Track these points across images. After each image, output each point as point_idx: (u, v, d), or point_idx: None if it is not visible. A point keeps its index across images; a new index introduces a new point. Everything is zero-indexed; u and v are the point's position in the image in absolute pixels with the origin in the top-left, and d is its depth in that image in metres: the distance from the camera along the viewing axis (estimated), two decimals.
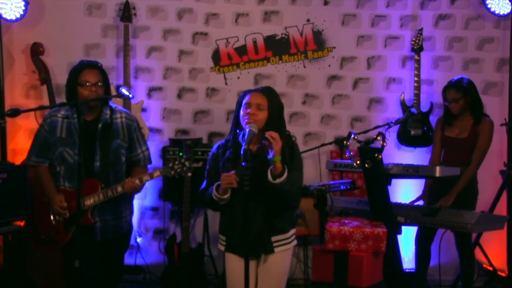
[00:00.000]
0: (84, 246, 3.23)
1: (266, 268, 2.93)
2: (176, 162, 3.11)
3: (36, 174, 3.38)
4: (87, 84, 3.21)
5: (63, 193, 3.26)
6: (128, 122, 3.34)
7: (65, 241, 3.25)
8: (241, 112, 2.89)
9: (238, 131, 2.92)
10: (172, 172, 3.13)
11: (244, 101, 2.90)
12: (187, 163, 3.12)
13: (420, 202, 4.31)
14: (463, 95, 4.11)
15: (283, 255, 2.95)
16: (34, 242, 3.42)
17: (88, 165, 3.21)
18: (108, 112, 3.30)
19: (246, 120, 2.84)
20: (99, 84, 3.24)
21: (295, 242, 3.01)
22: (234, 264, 2.92)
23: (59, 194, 3.25)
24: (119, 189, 3.16)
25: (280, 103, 2.98)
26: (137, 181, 3.16)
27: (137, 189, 3.23)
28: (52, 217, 3.30)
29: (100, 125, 3.26)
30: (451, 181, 4.04)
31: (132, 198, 3.47)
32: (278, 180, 2.75)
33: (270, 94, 2.93)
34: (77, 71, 3.25)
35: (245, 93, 2.95)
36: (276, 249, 2.90)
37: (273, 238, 2.90)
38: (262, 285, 2.93)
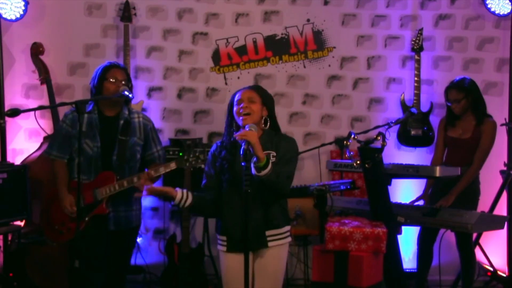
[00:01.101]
0: (94, 241, 3.35)
1: (262, 265, 2.93)
2: (191, 155, 3.17)
3: (53, 167, 3.50)
4: (113, 80, 3.39)
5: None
6: (145, 122, 3.53)
7: (80, 228, 3.31)
8: (234, 109, 2.92)
9: (232, 130, 2.97)
10: (187, 164, 3.16)
11: (235, 99, 2.95)
12: (201, 156, 3.17)
13: (420, 202, 4.31)
14: (465, 96, 4.10)
15: (278, 251, 2.96)
16: (48, 233, 3.52)
17: (106, 158, 3.38)
18: (127, 112, 3.48)
19: (241, 113, 2.89)
20: (123, 82, 3.43)
21: (289, 238, 3.02)
22: (234, 262, 2.92)
23: (69, 195, 3.38)
24: (135, 179, 3.27)
25: (271, 96, 3.04)
26: (152, 172, 3.26)
27: (153, 180, 3.32)
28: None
29: (122, 122, 3.43)
30: (453, 181, 4.03)
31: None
32: (263, 172, 2.76)
33: (258, 89, 3.01)
34: (107, 68, 3.44)
35: (235, 93, 3.01)
36: (270, 244, 2.92)
37: (267, 233, 2.92)
38: (259, 282, 2.94)
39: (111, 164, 3.38)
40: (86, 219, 3.32)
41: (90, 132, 3.37)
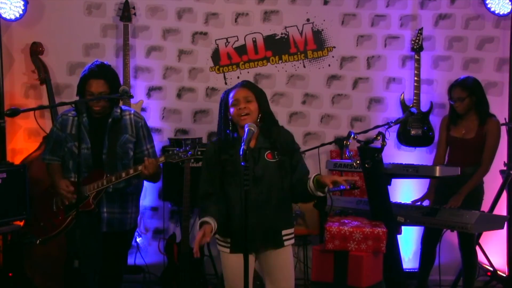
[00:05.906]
0: (87, 238, 3.35)
1: (280, 265, 2.94)
2: (181, 150, 3.20)
3: (48, 170, 3.55)
4: (90, 95, 3.35)
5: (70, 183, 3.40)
6: (136, 119, 3.51)
7: (63, 225, 3.38)
8: (232, 111, 2.91)
9: (228, 131, 2.96)
10: (176, 158, 3.20)
11: (230, 100, 2.94)
12: (191, 151, 3.18)
13: (425, 202, 4.29)
14: (468, 95, 4.10)
15: (291, 251, 2.99)
16: (34, 230, 3.53)
17: (96, 158, 3.39)
18: (119, 110, 3.47)
19: (241, 116, 2.88)
20: (103, 94, 3.35)
21: (293, 240, 3.03)
22: (238, 263, 2.89)
23: (64, 179, 3.40)
24: (123, 174, 3.29)
25: (262, 90, 3.02)
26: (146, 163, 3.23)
27: (153, 170, 3.26)
28: (54, 206, 3.45)
29: (110, 120, 3.41)
30: (457, 180, 4.02)
31: (139, 198, 3.63)
32: (320, 193, 2.82)
33: (251, 86, 2.99)
34: (85, 80, 3.37)
35: (227, 92, 2.99)
36: (286, 243, 2.93)
37: (283, 232, 2.93)
38: (276, 282, 2.95)
39: (102, 162, 3.39)
40: (72, 214, 3.32)
41: (78, 134, 3.35)
